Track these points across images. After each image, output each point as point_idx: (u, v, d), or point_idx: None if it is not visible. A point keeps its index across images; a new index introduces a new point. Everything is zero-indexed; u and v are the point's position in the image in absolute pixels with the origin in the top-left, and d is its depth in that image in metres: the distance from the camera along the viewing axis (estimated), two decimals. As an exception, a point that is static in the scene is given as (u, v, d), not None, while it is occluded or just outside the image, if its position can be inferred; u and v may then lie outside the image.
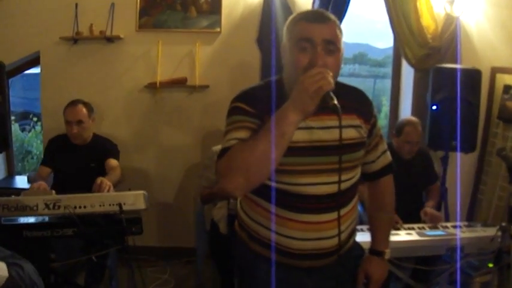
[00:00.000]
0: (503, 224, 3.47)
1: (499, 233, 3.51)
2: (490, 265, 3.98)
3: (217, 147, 4.20)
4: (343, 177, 2.08)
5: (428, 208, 4.17)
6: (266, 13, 4.70)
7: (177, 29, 4.84)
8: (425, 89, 4.87)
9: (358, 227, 3.01)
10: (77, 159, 4.20)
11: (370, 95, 6.26)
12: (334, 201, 2.07)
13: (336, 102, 1.83)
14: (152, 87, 4.83)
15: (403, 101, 5.58)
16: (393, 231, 3.76)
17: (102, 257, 3.60)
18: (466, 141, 4.65)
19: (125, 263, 4.02)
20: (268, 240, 2.14)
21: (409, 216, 4.11)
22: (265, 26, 4.71)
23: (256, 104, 2.01)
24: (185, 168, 5.02)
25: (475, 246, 3.85)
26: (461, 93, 4.54)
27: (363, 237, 2.59)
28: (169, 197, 5.11)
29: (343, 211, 2.11)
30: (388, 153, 2.40)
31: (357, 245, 2.44)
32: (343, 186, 2.08)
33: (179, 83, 4.84)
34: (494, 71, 5.28)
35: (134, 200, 3.49)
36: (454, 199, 4.87)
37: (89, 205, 3.38)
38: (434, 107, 4.65)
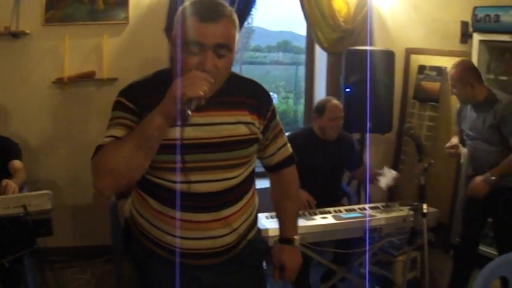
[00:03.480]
0: (415, 203, 3.48)
1: (411, 213, 3.52)
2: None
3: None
4: (230, 174, 2.03)
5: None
6: (174, 2, 4.61)
7: (84, 22, 4.69)
8: (339, 72, 4.89)
9: (268, 215, 2.97)
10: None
11: (292, 82, 6.20)
12: (218, 200, 2.02)
13: (189, 112, 1.70)
14: (60, 82, 4.67)
15: (317, 86, 5.59)
16: (309, 216, 3.75)
17: (16, 262, 3.49)
18: (382, 122, 4.71)
19: (41, 266, 3.89)
20: (154, 237, 2.08)
21: (328, 200, 4.11)
22: (173, 15, 4.55)
23: (137, 100, 1.93)
24: (98, 164, 4.84)
25: (393, 226, 3.87)
26: (375, 74, 4.58)
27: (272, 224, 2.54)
28: (85, 194, 4.94)
29: (230, 210, 2.06)
30: (289, 145, 2.34)
31: (259, 239, 2.39)
32: (230, 183, 2.04)
33: (87, 77, 4.71)
34: (409, 52, 5.36)
35: (39, 200, 3.40)
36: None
37: (-8, 208, 3.26)
38: (347, 90, 4.66)
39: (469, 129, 3.94)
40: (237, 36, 1.95)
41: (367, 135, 4.76)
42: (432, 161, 3.56)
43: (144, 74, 4.51)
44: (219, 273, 2.14)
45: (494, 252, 4.52)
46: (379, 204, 4.15)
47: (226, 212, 2.03)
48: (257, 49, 6.51)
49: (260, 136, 2.12)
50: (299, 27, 5.62)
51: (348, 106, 4.63)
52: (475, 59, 4.72)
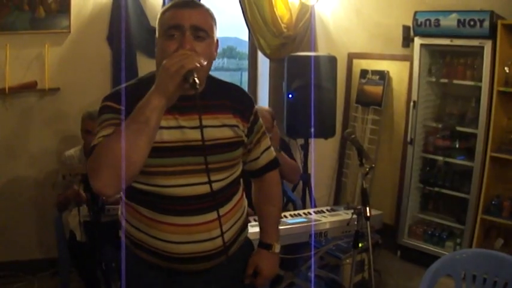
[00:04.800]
0: (358, 206, 3.52)
1: (355, 216, 3.56)
2: (360, 245, 4.07)
3: (69, 152, 4.08)
4: (216, 177, 2.02)
5: None
6: (116, 10, 4.56)
7: (26, 30, 4.57)
8: (282, 78, 4.92)
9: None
10: None
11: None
12: (209, 202, 2.00)
13: (196, 79, 1.73)
14: (1, 93, 4.54)
15: (260, 92, 5.62)
16: (253, 223, 3.75)
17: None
18: (325, 127, 4.74)
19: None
20: (148, 246, 2.05)
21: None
22: (115, 23, 4.57)
23: (126, 101, 1.91)
24: (42, 176, 4.78)
25: (338, 230, 3.91)
26: (317, 80, 4.62)
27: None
28: (29, 207, 4.83)
29: (219, 212, 2.03)
30: (272, 149, 2.37)
31: (248, 244, 2.39)
32: (217, 186, 2.02)
33: (29, 88, 4.60)
34: (351, 56, 5.44)
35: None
36: (319, 185, 4.93)
37: None
38: (290, 96, 4.68)
39: None
40: (215, 29, 2.01)
41: (312, 140, 4.80)
42: (373, 165, 3.60)
43: (86, 83, 4.48)
44: (210, 280, 2.14)
45: (440, 251, 4.65)
46: (324, 209, 4.19)
47: (215, 214, 2.01)
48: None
49: (245, 139, 2.15)
50: (244, 33, 5.64)
51: (291, 112, 4.67)
52: (416, 63, 4.80)
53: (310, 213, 4.04)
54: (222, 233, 2.05)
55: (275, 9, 4.90)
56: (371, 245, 3.43)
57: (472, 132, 4.64)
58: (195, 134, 1.91)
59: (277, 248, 2.37)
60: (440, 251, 4.73)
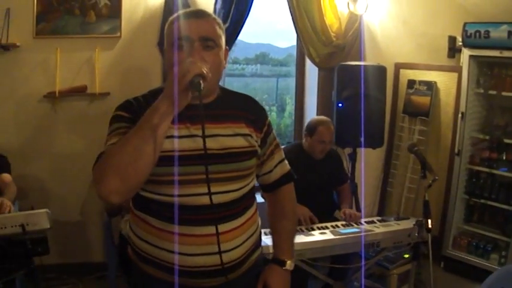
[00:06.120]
0: (419, 219, 3.53)
1: (416, 227, 3.57)
2: (406, 255, 4.07)
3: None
4: (228, 187, 2.00)
5: (347, 209, 4.20)
6: (167, 16, 4.51)
7: (76, 34, 4.60)
8: (330, 87, 4.93)
9: (266, 230, 2.94)
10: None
11: (273, 95, 6.21)
12: (221, 213, 1.95)
13: (201, 81, 1.74)
14: (51, 96, 4.58)
15: (307, 100, 5.61)
16: (307, 232, 3.76)
17: (10, 281, 3.39)
18: (374, 136, 4.73)
19: (36, 285, 3.82)
20: (156, 259, 2.01)
21: (322, 214, 4.12)
22: (166, 30, 4.59)
23: (136, 110, 1.91)
24: (90, 180, 4.73)
25: (390, 240, 3.90)
26: (367, 89, 4.61)
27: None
28: (76, 210, 4.88)
29: (232, 224, 2.01)
30: (286, 162, 2.33)
31: (262, 261, 2.33)
32: (229, 197, 2.00)
33: (79, 91, 4.63)
34: (398, 66, 5.42)
35: (37, 219, 3.34)
36: (364, 194, 4.91)
37: (-11, 228, 3.17)
38: (339, 105, 4.68)
39: None
40: (223, 38, 2.02)
41: (362, 150, 4.79)
42: (437, 177, 3.60)
43: (136, 89, 4.41)
44: None
45: (485, 263, 4.62)
46: (374, 219, 4.18)
47: (227, 226, 1.98)
48: (235, 61, 6.52)
49: (258, 149, 2.12)
50: (277, 39, 5.65)
51: (340, 121, 4.66)
52: (465, 74, 4.78)
53: (361, 223, 4.03)
54: (235, 247, 2.01)
55: (325, 18, 4.90)
56: (431, 257, 3.45)
57: (519, 144, 4.60)
58: (207, 143, 1.84)
59: (290, 265, 2.30)
60: (484, 263, 4.71)
